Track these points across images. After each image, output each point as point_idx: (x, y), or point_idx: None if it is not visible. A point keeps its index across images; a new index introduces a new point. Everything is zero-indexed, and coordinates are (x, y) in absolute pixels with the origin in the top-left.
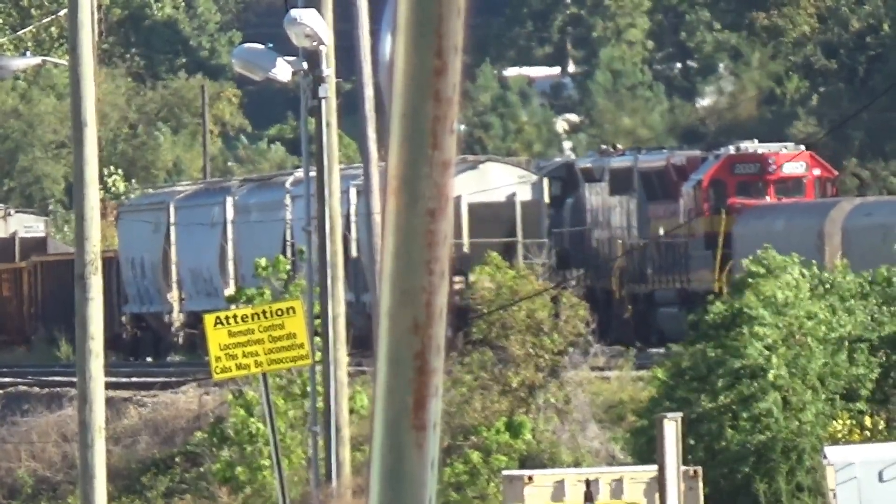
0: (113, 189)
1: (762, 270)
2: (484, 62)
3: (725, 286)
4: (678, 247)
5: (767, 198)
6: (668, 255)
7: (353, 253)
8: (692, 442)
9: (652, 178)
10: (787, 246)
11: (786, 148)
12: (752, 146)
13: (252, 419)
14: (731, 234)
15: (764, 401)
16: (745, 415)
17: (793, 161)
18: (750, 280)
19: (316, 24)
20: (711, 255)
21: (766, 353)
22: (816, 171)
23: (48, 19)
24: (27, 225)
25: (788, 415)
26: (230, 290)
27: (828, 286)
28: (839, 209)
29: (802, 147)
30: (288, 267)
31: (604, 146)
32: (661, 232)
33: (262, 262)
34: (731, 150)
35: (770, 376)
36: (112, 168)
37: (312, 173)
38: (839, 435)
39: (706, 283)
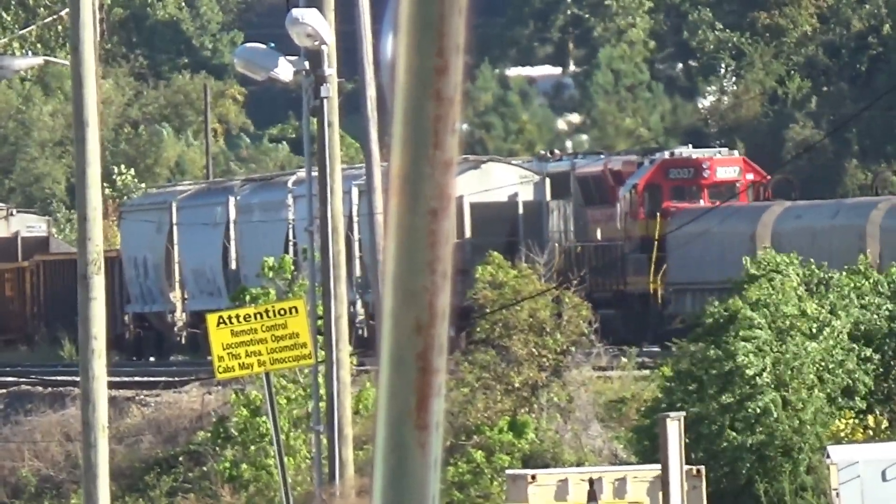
0: (121, 186)
1: (759, 272)
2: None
3: (660, 288)
4: (614, 250)
5: (702, 202)
6: (604, 258)
7: (356, 252)
8: (693, 442)
9: (589, 183)
10: (719, 249)
11: (720, 153)
12: (686, 151)
13: (258, 419)
14: (664, 238)
15: (758, 401)
16: (740, 415)
17: (726, 166)
18: (746, 283)
19: (318, 24)
20: (647, 258)
21: (756, 353)
22: (750, 176)
23: (51, 18)
24: (30, 225)
25: (788, 414)
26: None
27: (825, 285)
28: (770, 212)
29: (736, 152)
30: (292, 267)
31: (542, 151)
32: (599, 235)
33: (270, 261)
34: (666, 155)
35: (753, 375)
36: (123, 167)
37: (315, 173)
38: (842, 434)
39: (642, 285)
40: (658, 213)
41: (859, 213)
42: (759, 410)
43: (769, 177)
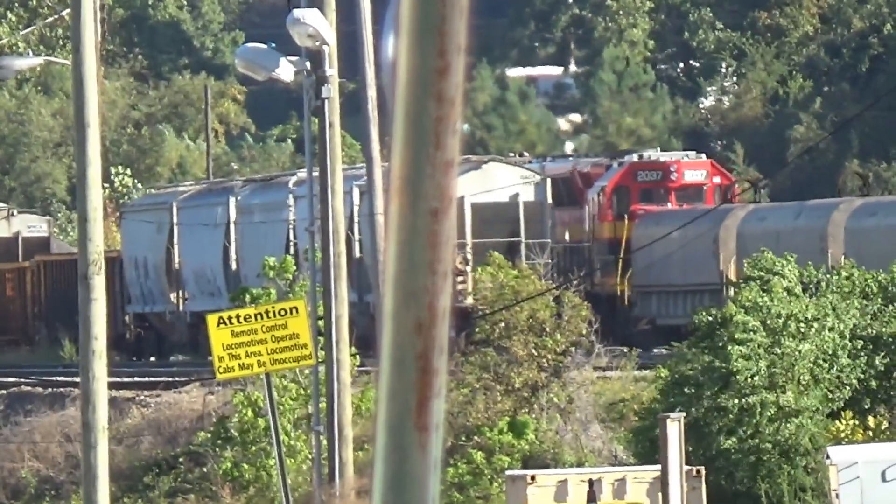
0: (120, 189)
1: (758, 274)
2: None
3: (627, 290)
4: (583, 251)
5: (669, 204)
6: (573, 259)
7: (357, 253)
8: (692, 444)
9: (558, 185)
10: (683, 251)
11: (687, 156)
12: (654, 154)
13: (261, 419)
14: (631, 240)
15: (752, 403)
16: (731, 417)
17: (694, 169)
18: (744, 284)
19: (319, 24)
20: (614, 259)
21: (748, 357)
22: (717, 179)
23: (52, 18)
24: (30, 225)
25: (783, 415)
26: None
27: (823, 286)
28: (734, 215)
29: (703, 155)
30: (293, 267)
31: (511, 154)
32: (567, 237)
33: (271, 261)
34: (635, 158)
35: (743, 378)
36: (121, 168)
37: (315, 173)
38: (842, 435)
39: (609, 287)
40: (626, 216)
41: (821, 215)
42: (754, 412)
43: (734, 179)
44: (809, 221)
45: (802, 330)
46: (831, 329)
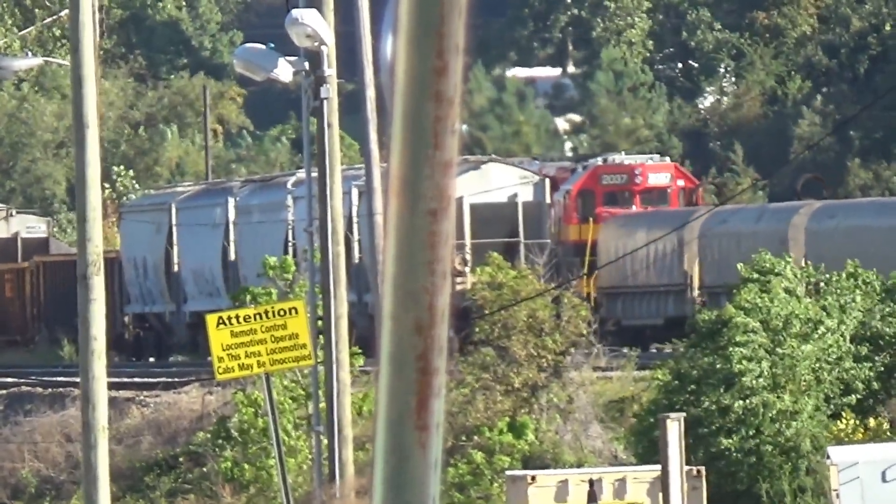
0: (121, 188)
1: (755, 275)
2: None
3: (593, 292)
4: (549, 254)
5: (634, 207)
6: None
7: (356, 254)
8: (693, 444)
9: None
10: (647, 253)
11: (652, 159)
12: (619, 157)
13: (261, 419)
14: (596, 242)
15: (754, 404)
16: (732, 417)
17: (658, 172)
18: (741, 286)
19: (317, 25)
20: (580, 262)
21: (749, 357)
22: (681, 182)
23: (50, 19)
24: (29, 225)
25: (783, 416)
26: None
27: (822, 286)
28: (697, 217)
29: (667, 159)
30: (293, 268)
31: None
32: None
33: (272, 260)
34: (599, 161)
35: (748, 380)
36: (122, 168)
37: (314, 174)
38: (843, 434)
39: (575, 288)
40: (591, 219)
41: (782, 218)
42: (757, 413)
43: (698, 182)
44: (771, 224)
45: (805, 331)
46: (833, 332)
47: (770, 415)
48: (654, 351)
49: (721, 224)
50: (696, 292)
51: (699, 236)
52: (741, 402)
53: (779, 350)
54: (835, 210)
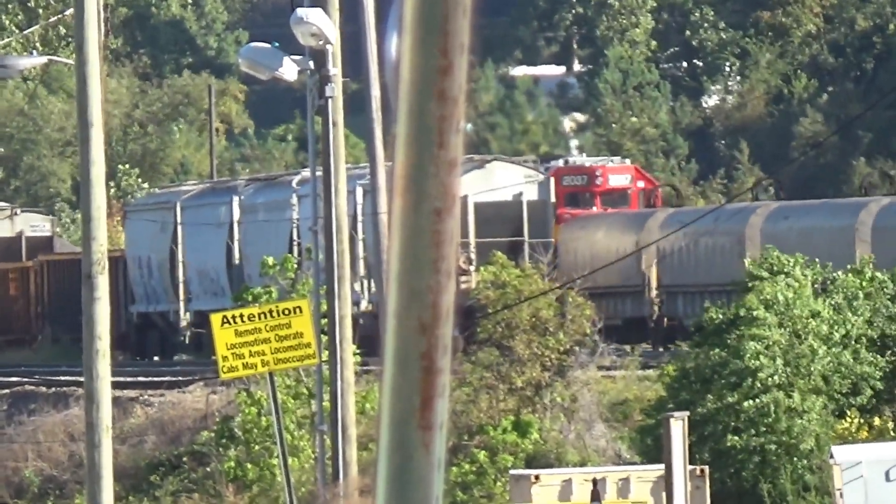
0: (127, 188)
1: (764, 273)
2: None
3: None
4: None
5: (595, 208)
6: None
7: (360, 252)
8: (696, 441)
9: None
10: (606, 254)
11: (612, 161)
12: (580, 159)
13: (264, 418)
14: (557, 243)
15: (761, 401)
16: (743, 416)
17: (618, 174)
18: (750, 283)
19: (322, 24)
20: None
21: (764, 353)
22: (641, 184)
23: (55, 18)
24: (33, 224)
25: (791, 415)
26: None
27: (831, 286)
28: (654, 219)
29: (628, 161)
30: (295, 266)
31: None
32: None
33: (270, 260)
34: (560, 163)
35: (764, 377)
36: (127, 167)
37: (319, 173)
38: (847, 434)
39: None
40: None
41: (739, 219)
42: (764, 410)
43: (657, 183)
44: (728, 225)
45: (823, 330)
46: (846, 335)
47: (774, 412)
48: (659, 350)
49: (679, 225)
50: (653, 293)
51: (658, 237)
52: (750, 402)
53: (795, 349)
54: (788, 211)
